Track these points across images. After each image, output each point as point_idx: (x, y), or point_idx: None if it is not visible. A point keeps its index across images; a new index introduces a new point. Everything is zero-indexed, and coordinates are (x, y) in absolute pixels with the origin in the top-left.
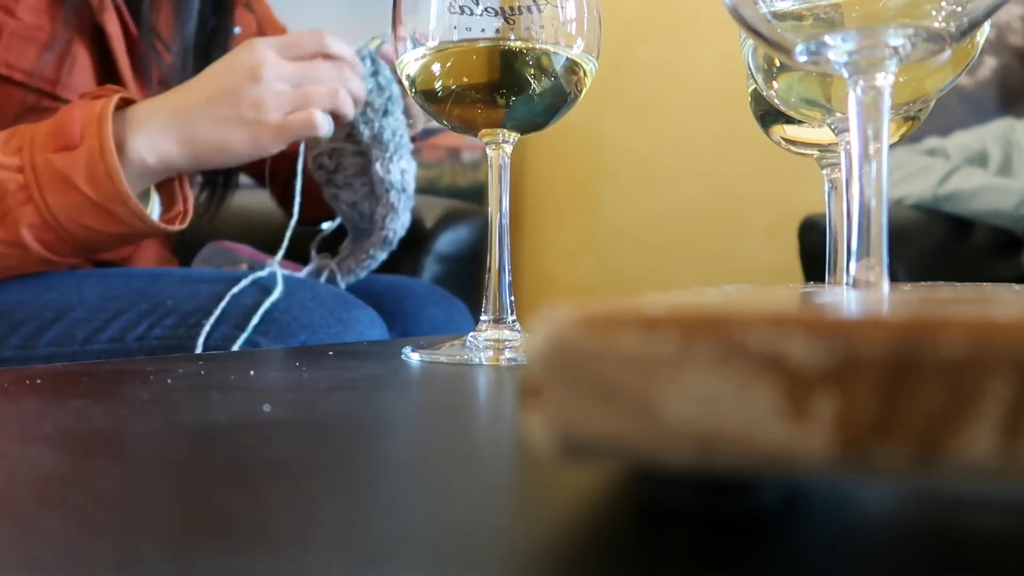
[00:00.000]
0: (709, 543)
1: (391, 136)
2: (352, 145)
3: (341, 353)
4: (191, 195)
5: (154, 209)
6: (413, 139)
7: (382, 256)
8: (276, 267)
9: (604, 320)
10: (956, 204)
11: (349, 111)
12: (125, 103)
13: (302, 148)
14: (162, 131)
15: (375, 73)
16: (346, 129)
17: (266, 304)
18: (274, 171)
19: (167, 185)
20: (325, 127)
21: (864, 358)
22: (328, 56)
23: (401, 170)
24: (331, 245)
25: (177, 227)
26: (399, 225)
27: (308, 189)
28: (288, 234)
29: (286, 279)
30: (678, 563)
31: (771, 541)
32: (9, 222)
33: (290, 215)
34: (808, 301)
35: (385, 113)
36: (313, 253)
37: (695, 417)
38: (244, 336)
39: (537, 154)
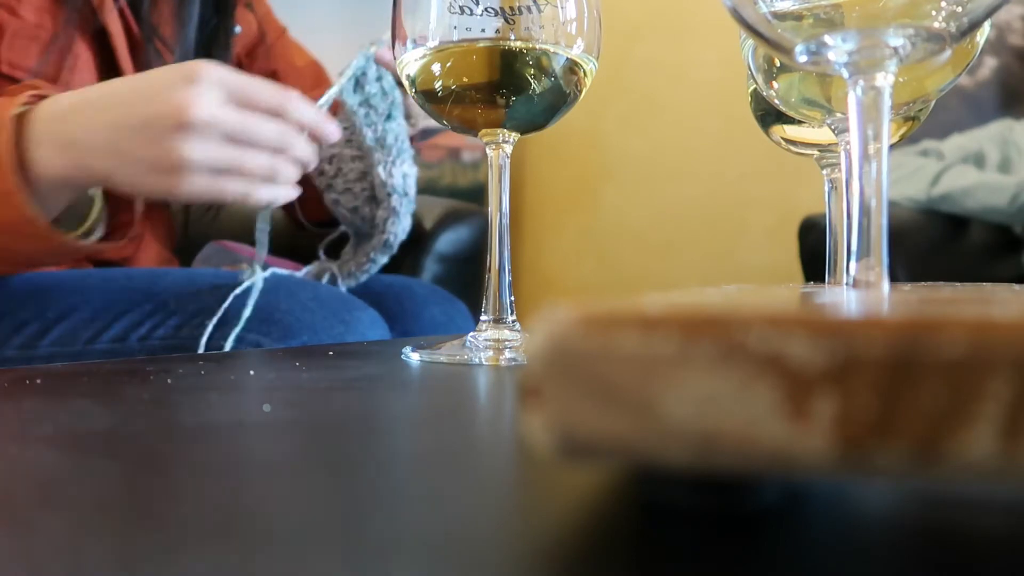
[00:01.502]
0: (709, 543)
1: (394, 140)
2: (350, 150)
3: (341, 353)
4: (140, 208)
5: (96, 214)
6: (412, 139)
7: (382, 260)
8: (257, 264)
9: (604, 320)
10: (951, 204)
11: (286, 183)
12: (41, 98)
13: None
14: (61, 150)
15: (379, 78)
16: (345, 134)
17: (238, 290)
18: None
19: (114, 196)
20: (263, 200)
21: (864, 358)
22: (283, 117)
23: (403, 174)
24: (336, 248)
25: (114, 244)
26: (400, 229)
27: (314, 191)
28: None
29: (288, 279)
30: (678, 563)
31: (771, 541)
32: None
33: (290, 216)
34: (808, 301)
35: (388, 117)
36: (321, 254)
37: (695, 417)
38: (237, 331)
39: (537, 154)
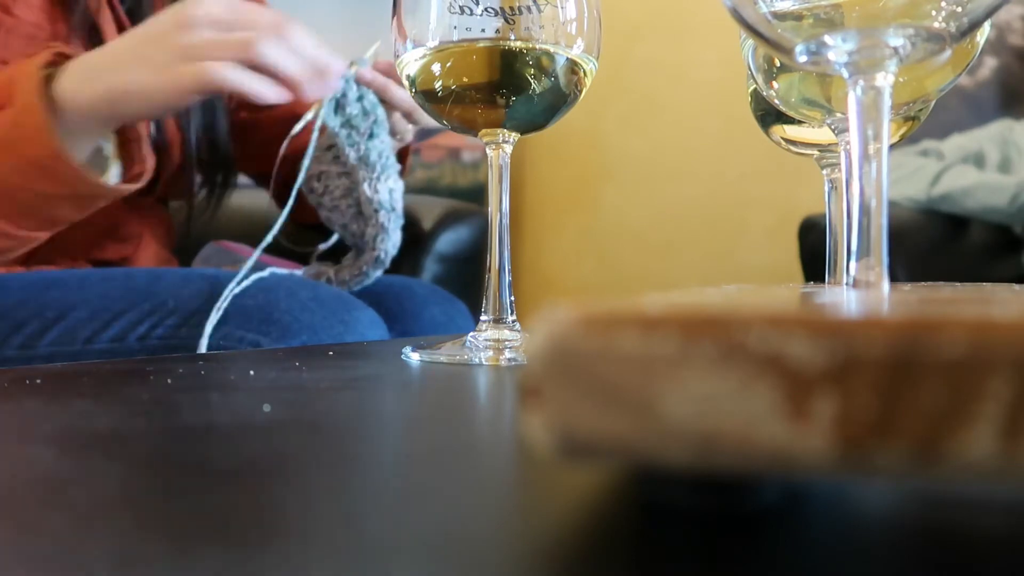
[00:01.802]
0: (709, 543)
1: (377, 157)
2: (337, 167)
3: (341, 353)
4: (150, 156)
5: (112, 174)
6: (406, 151)
7: (375, 274)
8: (249, 258)
9: (604, 320)
10: (951, 204)
11: (288, 68)
12: (64, 58)
13: (286, 142)
14: (85, 80)
15: (360, 98)
16: (332, 152)
17: (235, 289)
18: (272, 171)
19: (128, 148)
20: (243, 83)
21: (864, 358)
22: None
23: (389, 189)
24: (332, 253)
25: (127, 187)
26: (390, 245)
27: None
28: (276, 228)
29: (288, 279)
30: (678, 563)
31: (771, 541)
32: None
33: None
34: (808, 301)
35: (370, 136)
36: (314, 259)
37: (695, 417)
38: (213, 326)
39: (537, 154)
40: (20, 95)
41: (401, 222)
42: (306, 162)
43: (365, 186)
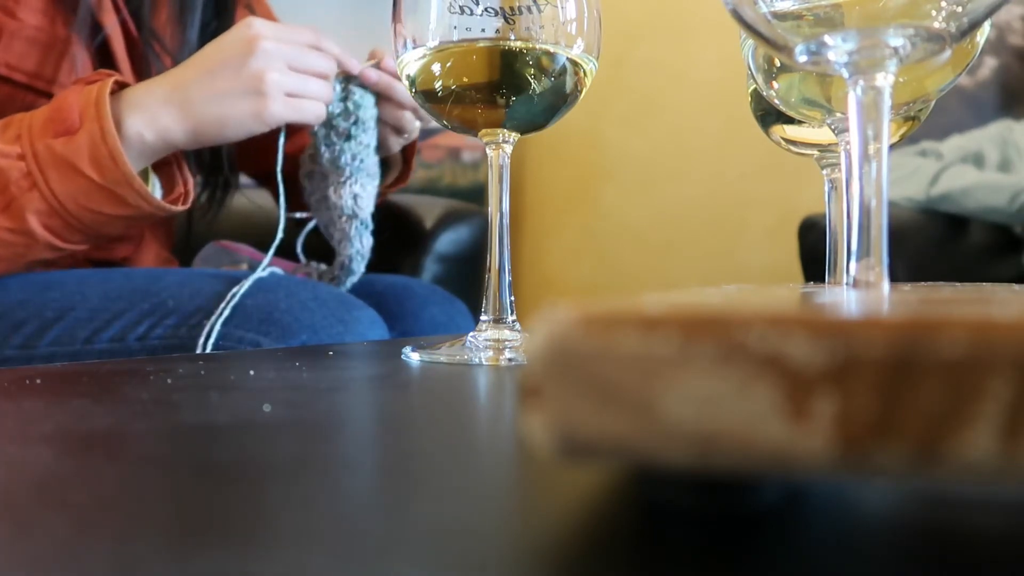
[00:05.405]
0: (709, 543)
1: (349, 160)
2: (319, 168)
3: (341, 353)
4: (190, 177)
5: (155, 192)
6: (412, 150)
7: (347, 280)
8: (264, 263)
9: (604, 320)
10: (950, 204)
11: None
12: (120, 86)
13: (280, 142)
14: (160, 108)
15: (344, 98)
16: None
17: (239, 292)
18: (272, 170)
19: (166, 168)
20: (323, 117)
21: (864, 358)
22: (318, 50)
23: (353, 195)
24: (319, 247)
25: (180, 208)
26: (354, 251)
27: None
28: (280, 230)
29: (288, 279)
30: (678, 563)
31: (771, 541)
32: (14, 210)
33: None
34: (808, 301)
35: (348, 138)
36: (300, 254)
37: (695, 417)
38: (217, 328)
39: (537, 154)
40: (90, 121)
41: (368, 229)
42: (280, 145)
43: (331, 190)
